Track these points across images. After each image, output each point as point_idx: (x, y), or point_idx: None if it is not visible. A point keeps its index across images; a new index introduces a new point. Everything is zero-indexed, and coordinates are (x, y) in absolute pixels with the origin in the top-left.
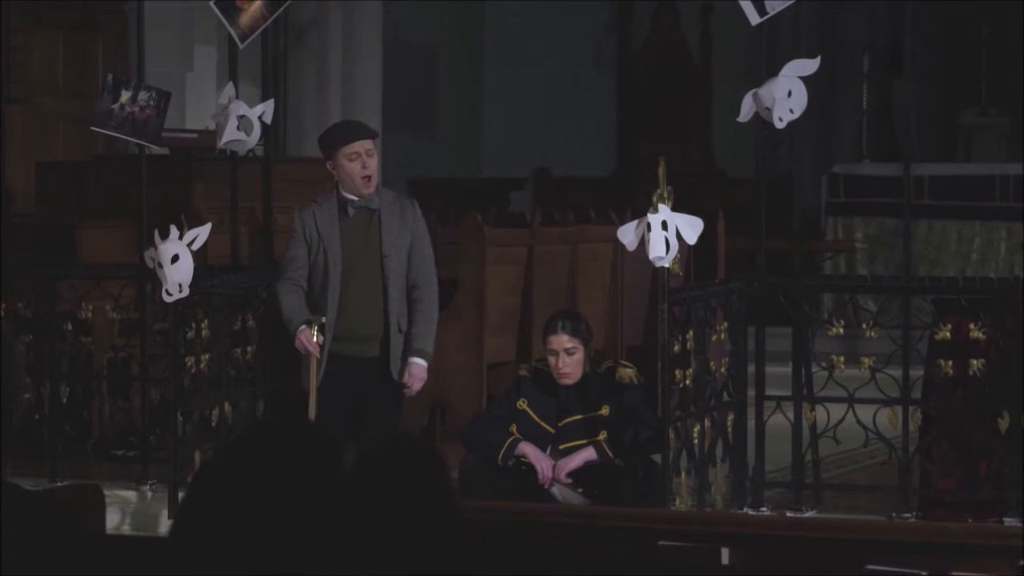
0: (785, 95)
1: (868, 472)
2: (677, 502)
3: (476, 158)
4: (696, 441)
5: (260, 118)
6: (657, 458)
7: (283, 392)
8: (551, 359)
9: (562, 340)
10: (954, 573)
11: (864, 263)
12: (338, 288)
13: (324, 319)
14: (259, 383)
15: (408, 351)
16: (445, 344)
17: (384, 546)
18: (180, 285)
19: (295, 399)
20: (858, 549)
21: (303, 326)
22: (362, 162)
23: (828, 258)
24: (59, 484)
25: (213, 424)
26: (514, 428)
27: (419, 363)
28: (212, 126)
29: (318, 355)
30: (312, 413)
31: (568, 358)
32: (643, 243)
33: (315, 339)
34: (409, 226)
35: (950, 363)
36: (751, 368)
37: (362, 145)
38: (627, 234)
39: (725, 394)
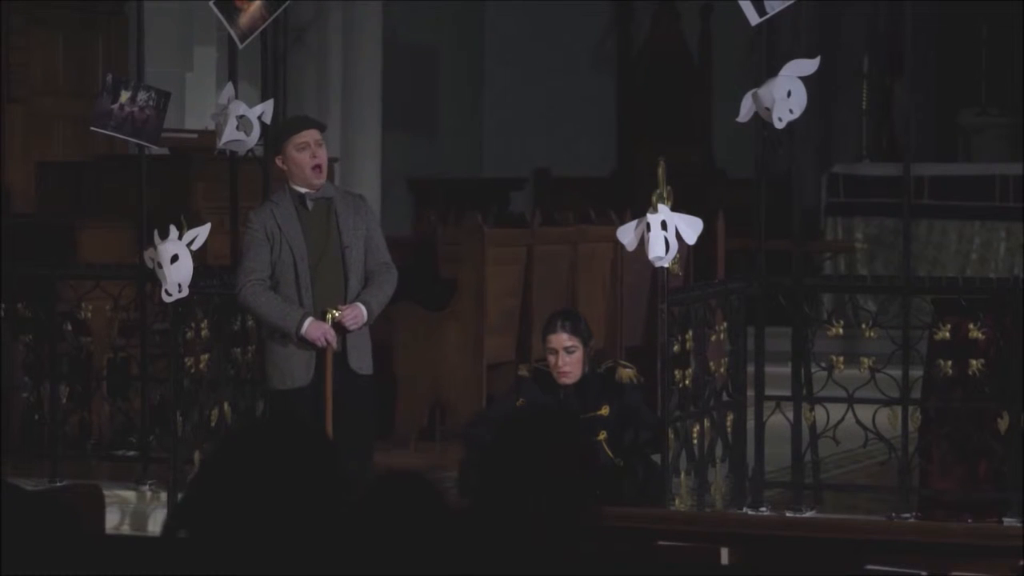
0: (785, 95)
1: (868, 472)
2: (677, 502)
3: (476, 158)
4: (696, 441)
5: (260, 118)
6: (657, 458)
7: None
8: (551, 358)
9: (561, 339)
10: (954, 573)
11: (864, 263)
12: (309, 283)
13: (335, 310)
14: (259, 383)
15: (353, 300)
16: (445, 344)
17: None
18: (179, 285)
19: (300, 398)
20: (858, 549)
21: (310, 317)
22: (311, 152)
23: (828, 258)
24: (59, 484)
25: (213, 424)
26: None
27: (358, 305)
28: (211, 126)
29: (336, 346)
30: (329, 410)
31: (568, 357)
32: (643, 243)
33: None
34: (363, 219)
35: (950, 363)
36: (750, 368)
37: (311, 135)
38: (627, 234)
39: (724, 394)
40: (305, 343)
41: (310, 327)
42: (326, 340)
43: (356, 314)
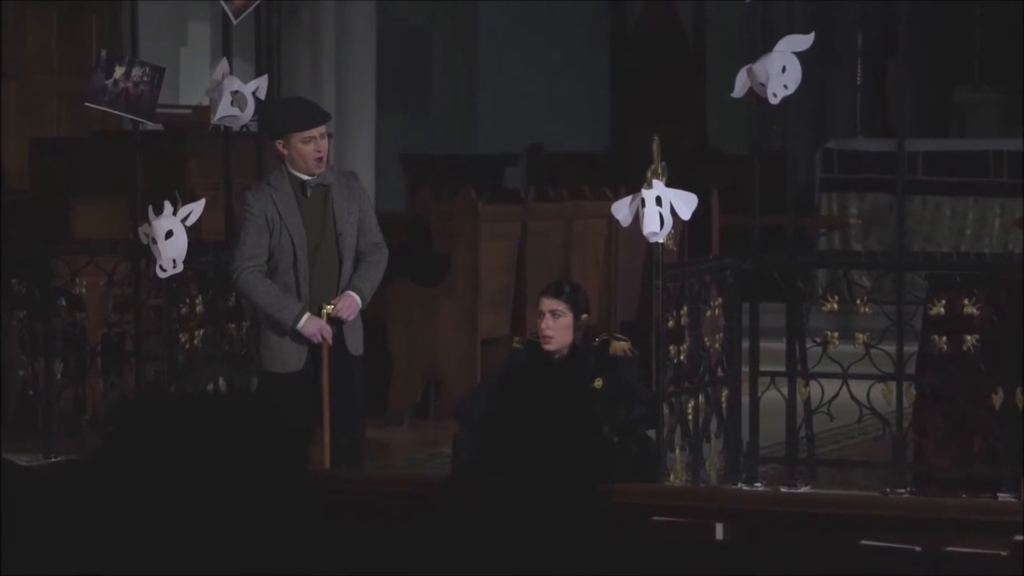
0: (779, 71)
1: (862, 448)
2: (671, 478)
3: (470, 134)
4: (690, 417)
5: (254, 94)
6: (651, 434)
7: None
8: (538, 322)
9: (551, 302)
10: (949, 549)
11: (858, 239)
12: (307, 270)
13: (329, 304)
14: (252, 359)
15: (346, 287)
16: (439, 320)
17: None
18: (174, 261)
19: (291, 382)
20: (852, 525)
21: (307, 313)
22: (316, 145)
23: (822, 234)
24: (53, 460)
25: None
26: None
27: (351, 295)
28: (206, 102)
29: (331, 341)
30: (326, 402)
31: (552, 320)
32: (638, 219)
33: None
34: (356, 200)
35: (944, 339)
36: (745, 344)
37: (318, 129)
38: (621, 210)
39: (719, 370)
40: (299, 336)
41: (306, 323)
42: (322, 336)
43: (350, 304)
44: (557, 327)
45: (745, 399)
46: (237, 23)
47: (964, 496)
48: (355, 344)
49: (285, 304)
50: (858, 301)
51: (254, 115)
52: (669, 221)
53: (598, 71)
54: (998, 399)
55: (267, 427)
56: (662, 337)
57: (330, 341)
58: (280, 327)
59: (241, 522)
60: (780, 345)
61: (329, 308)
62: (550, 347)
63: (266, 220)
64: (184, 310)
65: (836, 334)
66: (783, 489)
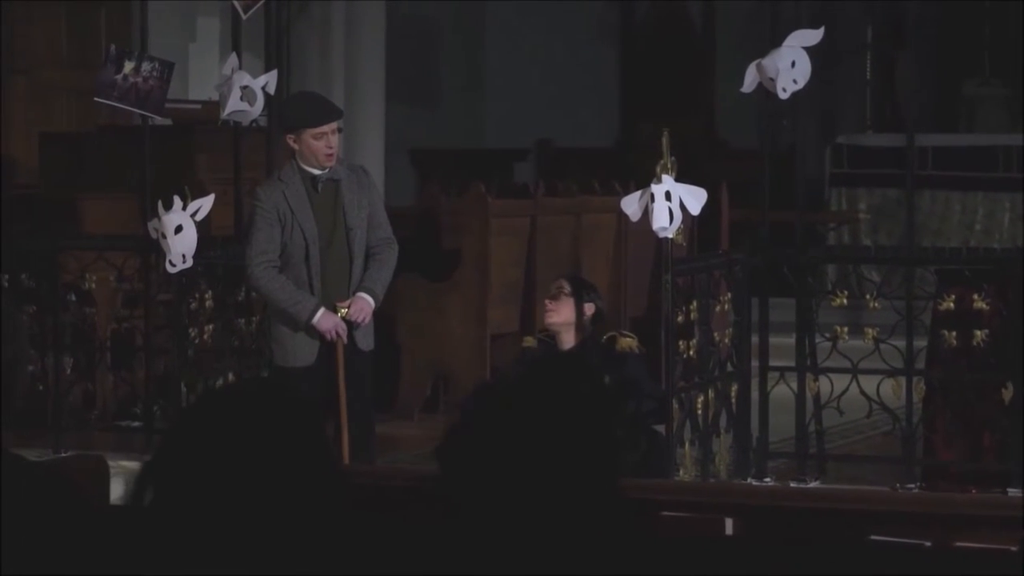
0: (789, 65)
1: (872, 443)
2: (681, 473)
3: (479, 129)
4: (700, 412)
5: (263, 89)
6: (660, 428)
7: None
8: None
9: (556, 283)
10: (958, 544)
11: (868, 234)
12: (319, 265)
13: (343, 307)
14: (262, 354)
15: (357, 288)
16: (448, 315)
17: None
18: (183, 256)
19: (302, 377)
20: (862, 520)
21: (322, 308)
22: (327, 141)
23: (832, 229)
24: (63, 455)
25: None
26: None
27: (364, 297)
28: (215, 97)
29: (346, 340)
30: (343, 401)
31: (553, 301)
32: (647, 213)
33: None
34: (366, 195)
35: (954, 334)
36: (755, 339)
37: (330, 126)
38: (631, 205)
39: (729, 365)
40: (313, 331)
41: (321, 319)
42: (337, 333)
43: (363, 307)
44: (558, 304)
45: (754, 394)
46: (247, 18)
47: (974, 491)
48: (366, 340)
49: (300, 299)
50: (867, 296)
51: (263, 110)
52: (678, 216)
53: (607, 66)
54: (1008, 394)
55: (292, 416)
56: (671, 332)
57: (345, 340)
58: (294, 322)
59: (270, 518)
60: (789, 340)
61: (344, 311)
62: (550, 320)
63: (277, 215)
64: (194, 305)
65: (845, 329)
66: (792, 484)
